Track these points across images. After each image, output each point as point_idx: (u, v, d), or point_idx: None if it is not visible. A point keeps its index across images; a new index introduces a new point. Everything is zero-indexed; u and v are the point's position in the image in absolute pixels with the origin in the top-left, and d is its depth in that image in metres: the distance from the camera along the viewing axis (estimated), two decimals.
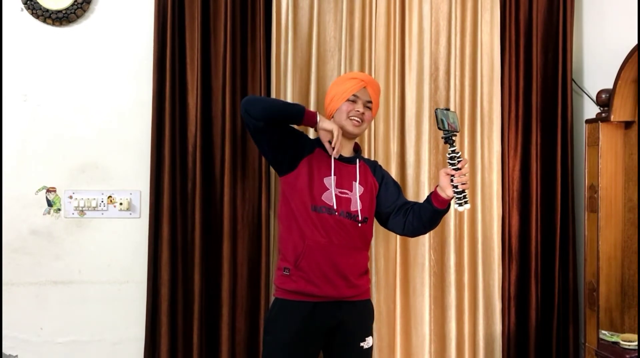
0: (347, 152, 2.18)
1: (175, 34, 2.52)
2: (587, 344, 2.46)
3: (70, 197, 2.57)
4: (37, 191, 2.57)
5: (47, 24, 2.57)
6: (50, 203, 2.57)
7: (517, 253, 2.74)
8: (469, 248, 2.69)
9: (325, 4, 2.64)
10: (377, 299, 2.63)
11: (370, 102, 2.14)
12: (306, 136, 2.18)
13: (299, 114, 2.03)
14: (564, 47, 2.73)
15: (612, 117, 2.38)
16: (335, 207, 2.05)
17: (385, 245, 2.64)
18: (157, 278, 2.50)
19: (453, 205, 1.96)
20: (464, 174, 1.91)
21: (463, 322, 2.68)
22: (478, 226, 2.69)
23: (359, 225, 2.08)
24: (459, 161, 1.90)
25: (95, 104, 2.59)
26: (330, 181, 2.07)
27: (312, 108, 2.60)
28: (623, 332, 2.38)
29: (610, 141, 2.42)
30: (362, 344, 2.09)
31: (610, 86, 2.39)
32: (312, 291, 2.03)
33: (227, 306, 2.50)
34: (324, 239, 2.03)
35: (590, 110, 2.67)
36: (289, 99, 2.56)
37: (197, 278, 2.50)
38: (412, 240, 2.67)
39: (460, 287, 2.68)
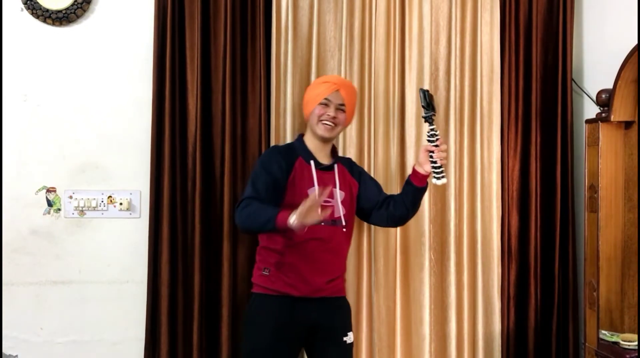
0: (325, 158, 2.21)
1: (175, 34, 2.52)
2: (587, 344, 2.46)
3: (70, 197, 2.57)
4: (37, 191, 2.57)
5: (47, 24, 2.57)
6: (50, 203, 2.57)
7: (516, 253, 2.74)
8: (468, 248, 2.69)
9: (325, 4, 2.64)
10: (377, 299, 2.63)
11: (343, 105, 2.17)
12: (280, 160, 2.12)
13: (271, 226, 1.93)
14: (564, 47, 2.73)
15: (612, 117, 2.38)
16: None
17: (385, 245, 2.64)
18: (157, 278, 2.50)
19: (431, 180, 2.12)
20: (442, 151, 2.08)
21: (463, 321, 2.68)
22: (478, 226, 2.69)
23: (344, 230, 2.15)
24: (437, 139, 2.08)
25: (95, 104, 2.59)
26: (313, 191, 2.09)
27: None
28: (623, 332, 2.38)
29: (610, 141, 2.42)
30: (345, 339, 2.14)
31: (610, 86, 2.39)
32: (291, 292, 2.09)
33: (227, 306, 2.50)
34: (307, 248, 2.08)
35: (590, 110, 2.67)
36: (289, 101, 2.57)
37: (197, 278, 2.50)
38: (412, 241, 2.67)
39: (460, 287, 2.68)
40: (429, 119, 2.10)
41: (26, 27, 2.56)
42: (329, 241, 2.11)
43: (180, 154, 2.54)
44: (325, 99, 2.14)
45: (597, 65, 2.73)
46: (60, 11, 2.54)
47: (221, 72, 2.54)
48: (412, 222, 2.66)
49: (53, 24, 2.57)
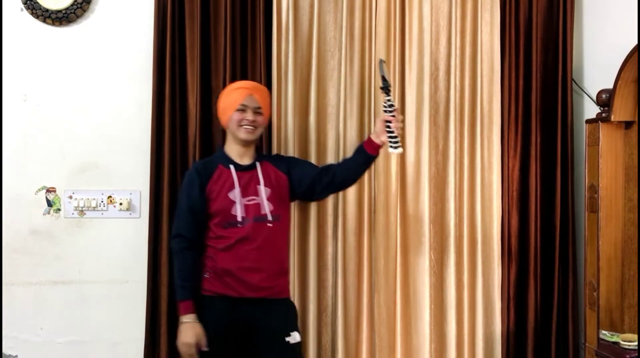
0: (247, 160, 2.24)
1: (175, 34, 2.53)
2: (587, 344, 2.46)
3: (70, 197, 2.57)
4: (37, 191, 2.57)
5: (47, 24, 2.57)
6: (50, 203, 2.57)
7: (516, 253, 2.74)
8: (468, 248, 2.69)
9: (325, 4, 2.64)
10: (377, 299, 2.63)
11: (259, 108, 2.21)
12: (195, 180, 2.19)
13: (177, 299, 2.16)
14: (564, 47, 2.72)
15: (612, 117, 2.37)
16: (245, 216, 2.14)
17: (385, 245, 2.64)
18: (157, 278, 2.50)
19: (387, 149, 2.17)
20: (399, 121, 2.17)
21: (463, 321, 2.68)
22: (478, 226, 2.69)
23: (269, 224, 2.17)
24: (394, 109, 2.16)
25: (95, 104, 2.59)
26: (235, 193, 2.16)
27: (312, 109, 2.60)
28: (623, 332, 2.38)
29: (610, 141, 2.42)
30: (287, 339, 2.15)
31: (610, 86, 2.39)
32: (229, 293, 2.13)
33: None
34: (239, 249, 2.12)
35: (590, 110, 2.67)
36: (289, 102, 2.57)
37: None
38: (412, 240, 2.67)
39: (460, 287, 2.68)
40: (386, 90, 2.17)
41: (26, 27, 2.56)
42: (255, 238, 2.14)
43: (180, 154, 2.54)
44: (242, 104, 2.19)
45: (597, 65, 2.73)
46: (60, 11, 2.54)
47: (221, 72, 2.54)
48: (412, 222, 2.67)
49: (53, 24, 2.57)
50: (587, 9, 2.79)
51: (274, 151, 2.56)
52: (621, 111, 2.38)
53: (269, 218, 2.16)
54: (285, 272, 2.27)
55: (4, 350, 2.51)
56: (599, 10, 2.72)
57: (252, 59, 2.58)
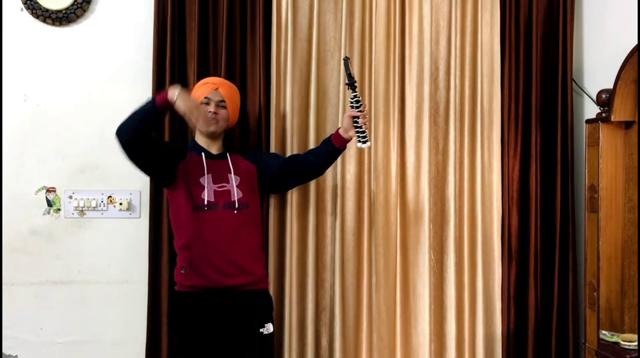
0: (215, 149, 2.31)
1: (175, 34, 2.53)
2: (587, 344, 2.46)
3: (70, 197, 2.57)
4: (37, 191, 2.57)
5: (47, 24, 2.57)
6: (50, 203, 2.57)
7: (516, 253, 2.73)
8: (468, 248, 2.68)
9: (325, 4, 2.64)
10: (377, 299, 2.63)
11: (222, 101, 2.27)
12: (173, 144, 2.31)
13: (150, 105, 2.07)
14: (564, 47, 2.72)
15: (612, 117, 2.37)
16: (214, 201, 2.18)
17: (385, 245, 2.64)
18: (157, 279, 2.50)
19: (356, 144, 2.25)
20: (365, 116, 2.26)
21: (463, 321, 2.68)
22: (478, 226, 2.69)
23: (235, 212, 2.20)
24: (361, 105, 2.23)
25: (95, 104, 2.59)
26: (205, 179, 2.21)
27: (311, 109, 2.60)
28: (623, 332, 2.38)
29: (610, 141, 2.42)
30: (261, 330, 2.21)
31: (611, 86, 2.39)
32: (205, 284, 2.16)
33: None
34: (210, 235, 2.17)
35: (590, 110, 2.67)
36: (288, 101, 2.57)
37: None
38: (412, 240, 2.67)
39: (460, 287, 2.68)
40: (352, 86, 2.23)
41: (26, 27, 2.56)
42: (223, 224, 2.18)
43: None
44: (206, 97, 2.26)
45: (597, 65, 2.73)
46: (60, 11, 2.54)
47: (221, 72, 2.54)
48: (412, 222, 2.67)
49: (53, 24, 2.57)
50: (587, 9, 2.79)
51: (274, 151, 2.56)
52: (621, 111, 2.38)
53: (236, 205, 2.21)
54: (259, 261, 2.29)
55: (4, 350, 2.51)
56: (599, 10, 2.72)
57: (251, 59, 2.58)
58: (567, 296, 2.71)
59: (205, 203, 2.17)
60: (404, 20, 2.69)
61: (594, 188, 2.44)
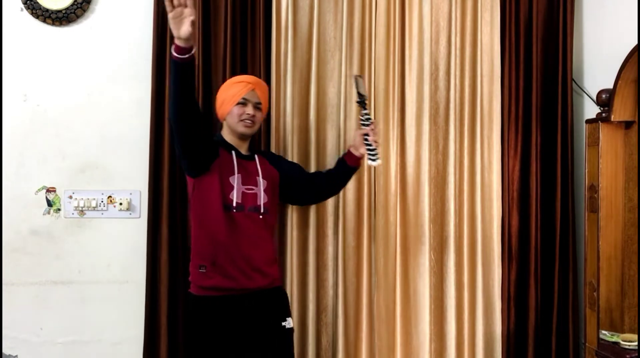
0: (245, 150, 2.27)
1: None
2: (587, 344, 2.46)
3: (70, 197, 2.57)
4: (37, 191, 2.57)
5: (47, 24, 2.57)
6: (50, 203, 2.57)
7: (517, 253, 2.74)
8: (468, 248, 2.68)
9: (325, 4, 2.64)
10: (377, 299, 2.63)
11: (259, 103, 2.23)
12: (213, 140, 2.23)
13: (175, 63, 1.89)
14: (564, 47, 2.72)
15: (612, 117, 2.37)
16: (241, 203, 2.15)
17: (385, 245, 2.64)
18: (157, 279, 2.50)
19: (366, 162, 2.26)
20: (376, 134, 2.26)
21: (463, 321, 2.68)
22: (478, 226, 2.69)
23: (260, 216, 2.19)
24: (372, 122, 2.24)
25: (95, 104, 2.59)
26: (235, 178, 2.16)
27: (312, 109, 2.60)
28: (623, 332, 2.38)
29: (610, 141, 2.42)
30: (283, 323, 2.20)
31: (611, 86, 2.39)
32: (230, 285, 2.11)
33: None
34: (235, 235, 2.12)
35: (591, 110, 2.67)
36: (288, 101, 2.57)
37: None
38: (412, 240, 2.67)
39: (460, 287, 2.68)
40: (362, 104, 2.24)
41: (26, 27, 2.56)
42: (248, 227, 2.15)
43: None
44: (243, 98, 2.19)
45: (597, 65, 2.73)
46: (60, 11, 2.54)
47: (221, 72, 2.54)
48: (412, 222, 2.67)
49: (53, 24, 2.57)
50: (587, 9, 2.79)
51: (274, 151, 2.56)
52: (621, 111, 2.38)
53: (262, 210, 2.19)
54: (275, 264, 2.28)
55: (4, 350, 2.51)
56: (599, 10, 2.72)
57: (252, 59, 2.58)
58: (567, 296, 2.71)
59: (234, 204, 2.13)
60: (404, 20, 2.69)
61: (594, 188, 2.44)
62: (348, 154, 2.32)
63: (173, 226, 2.51)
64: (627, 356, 2.21)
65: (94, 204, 2.58)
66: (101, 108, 2.59)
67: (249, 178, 2.19)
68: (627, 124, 2.42)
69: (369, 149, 2.23)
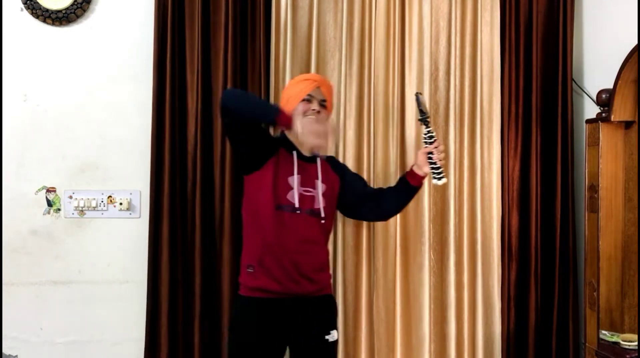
0: (306, 152, 2.21)
1: (175, 34, 2.53)
2: (587, 344, 2.46)
3: (70, 197, 2.57)
4: (37, 191, 2.57)
5: (47, 24, 2.57)
6: (50, 203, 2.57)
7: (517, 253, 2.74)
8: (468, 248, 2.68)
9: (325, 4, 2.64)
10: (377, 299, 2.63)
11: (324, 101, 2.19)
12: (272, 136, 2.22)
13: (272, 116, 1.98)
14: (564, 47, 2.72)
15: (612, 117, 2.38)
16: (298, 205, 2.09)
17: (384, 244, 2.64)
18: (157, 279, 2.50)
19: (431, 181, 2.19)
20: (441, 152, 2.16)
21: (463, 321, 2.68)
22: (478, 226, 2.69)
23: (322, 221, 2.14)
24: (435, 140, 2.15)
25: (95, 104, 2.59)
26: (294, 179, 2.11)
27: None
28: (623, 332, 2.38)
29: (610, 141, 2.42)
30: (327, 337, 2.12)
31: (611, 86, 2.39)
32: (275, 288, 2.06)
33: (227, 306, 2.50)
34: (286, 237, 2.07)
35: (591, 110, 2.67)
36: None
37: (197, 279, 2.50)
38: (412, 240, 2.67)
39: (460, 287, 2.68)
40: (425, 122, 2.15)
41: (26, 27, 2.56)
42: (302, 230, 2.10)
43: (180, 154, 2.54)
44: (308, 95, 2.15)
45: (597, 65, 2.73)
46: (60, 11, 2.54)
47: (221, 72, 2.54)
48: (412, 222, 2.67)
49: (53, 24, 2.57)
50: (587, 9, 2.79)
51: None
52: (621, 111, 2.38)
53: (322, 214, 2.13)
54: (325, 270, 2.21)
55: (4, 350, 2.51)
56: (599, 10, 2.72)
57: (251, 59, 2.58)
58: (567, 296, 2.71)
59: (294, 205, 2.07)
60: (404, 20, 2.69)
61: (594, 188, 2.44)
62: (410, 173, 2.21)
63: (173, 226, 2.51)
64: (627, 356, 2.21)
65: (94, 204, 2.58)
66: (101, 108, 2.59)
67: (307, 180, 2.13)
68: (627, 124, 2.42)
69: (433, 168, 2.14)
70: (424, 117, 2.15)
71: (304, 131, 1.94)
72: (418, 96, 2.18)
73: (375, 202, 2.26)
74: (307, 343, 2.11)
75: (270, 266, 2.06)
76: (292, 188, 2.09)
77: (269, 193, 2.07)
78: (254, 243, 2.10)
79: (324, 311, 2.17)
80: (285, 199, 2.08)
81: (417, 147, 2.68)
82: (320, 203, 2.13)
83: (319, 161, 2.20)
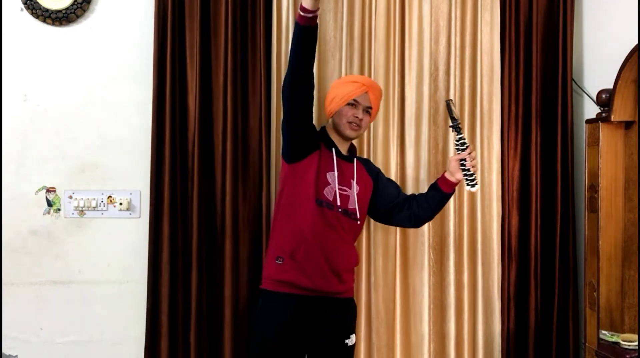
0: (345, 150, 2.22)
1: (175, 34, 2.53)
2: (587, 344, 2.46)
3: (70, 197, 2.57)
4: (37, 191, 2.57)
5: (47, 24, 2.57)
6: (50, 203, 2.57)
7: (516, 253, 2.74)
8: (468, 247, 2.69)
9: (325, 4, 2.63)
10: (376, 299, 2.63)
11: (370, 108, 2.17)
12: (317, 130, 2.19)
13: (298, 25, 1.93)
14: (564, 47, 2.72)
15: (612, 117, 2.38)
16: (337, 203, 2.09)
17: (384, 244, 2.64)
18: (157, 278, 2.50)
19: (465, 187, 2.18)
20: (473, 158, 2.15)
21: (462, 321, 2.68)
22: (478, 226, 2.69)
23: (358, 222, 2.14)
24: (467, 147, 2.13)
25: (95, 104, 2.59)
26: (333, 176, 2.10)
27: (313, 109, 2.57)
28: (623, 332, 2.38)
29: (610, 141, 2.42)
30: (346, 341, 2.13)
31: (611, 86, 2.39)
32: (304, 283, 2.05)
33: (229, 306, 2.50)
34: (322, 233, 2.06)
35: (591, 110, 2.67)
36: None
37: (197, 279, 2.50)
38: (411, 240, 2.67)
39: (460, 287, 2.68)
40: (457, 129, 2.14)
41: (26, 27, 2.56)
42: (340, 230, 2.09)
43: (180, 154, 2.54)
44: (354, 99, 2.14)
45: (597, 65, 2.73)
46: (60, 11, 2.54)
47: (221, 72, 2.54)
48: None
49: (53, 24, 2.57)
50: (587, 9, 2.79)
51: (273, 152, 2.56)
52: (621, 111, 2.38)
53: (358, 215, 2.13)
54: (352, 272, 2.21)
55: (4, 350, 2.51)
56: (598, 10, 2.72)
57: (252, 58, 2.58)
58: (567, 296, 2.71)
59: (329, 201, 2.07)
60: (404, 20, 2.69)
61: (594, 188, 2.44)
62: (442, 179, 2.21)
63: (174, 226, 2.51)
64: (627, 356, 2.21)
65: (94, 204, 2.58)
66: (101, 108, 2.59)
67: (344, 179, 2.14)
68: (627, 124, 2.42)
69: (466, 175, 2.14)
70: (455, 124, 2.14)
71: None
72: (449, 102, 2.16)
73: (409, 211, 2.25)
74: (327, 345, 2.10)
75: (302, 259, 2.04)
76: (329, 184, 2.09)
77: (311, 186, 2.06)
78: (289, 235, 2.08)
79: (347, 314, 2.17)
80: (323, 195, 2.07)
81: (417, 147, 2.68)
82: (355, 203, 2.13)
83: (355, 161, 2.20)
